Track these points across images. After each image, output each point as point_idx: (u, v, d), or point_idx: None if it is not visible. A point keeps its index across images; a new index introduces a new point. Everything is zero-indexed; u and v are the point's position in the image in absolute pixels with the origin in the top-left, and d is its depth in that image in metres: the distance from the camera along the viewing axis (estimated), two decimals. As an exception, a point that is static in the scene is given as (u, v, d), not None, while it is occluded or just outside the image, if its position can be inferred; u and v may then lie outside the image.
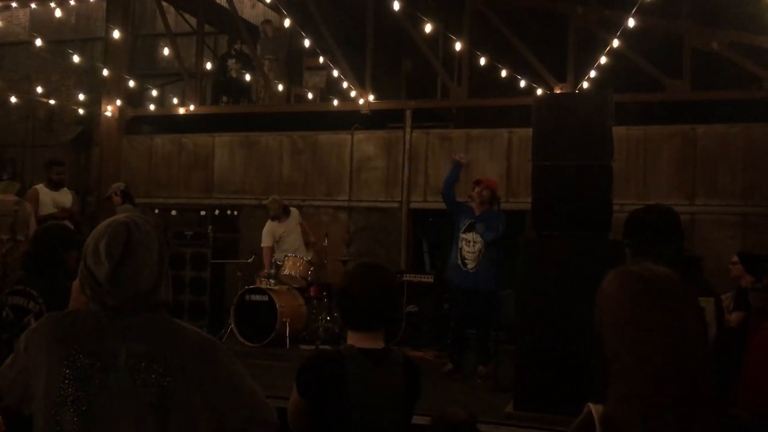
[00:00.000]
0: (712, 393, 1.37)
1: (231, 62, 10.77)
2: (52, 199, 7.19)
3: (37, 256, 3.74)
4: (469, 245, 6.48)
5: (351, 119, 9.69)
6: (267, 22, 11.01)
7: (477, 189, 6.60)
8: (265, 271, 8.00)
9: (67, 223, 7.00)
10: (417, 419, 4.31)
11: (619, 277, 1.44)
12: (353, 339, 2.43)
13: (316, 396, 2.34)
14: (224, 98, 11.03)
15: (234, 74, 10.72)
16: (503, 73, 8.83)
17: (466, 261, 6.48)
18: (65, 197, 7.33)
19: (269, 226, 8.25)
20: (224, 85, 10.91)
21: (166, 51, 11.29)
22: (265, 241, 8.18)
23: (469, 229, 6.50)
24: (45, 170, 7.46)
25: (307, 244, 8.38)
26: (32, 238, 3.97)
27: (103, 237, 1.79)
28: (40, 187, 7.28)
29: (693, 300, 1.43)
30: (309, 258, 8.16)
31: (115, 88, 10.64)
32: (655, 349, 1.35)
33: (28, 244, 6.89)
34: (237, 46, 10.85)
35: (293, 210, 8.40)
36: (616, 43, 8.19)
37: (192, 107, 10.45)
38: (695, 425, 1.33)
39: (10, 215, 7.04)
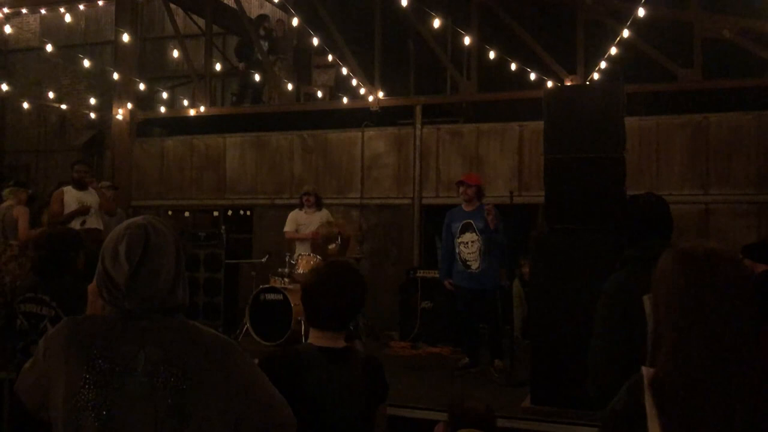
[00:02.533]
0: (758, 363, 1.42)
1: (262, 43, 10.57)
2: (77, 199, 7.19)
3: (46, 260, 3.75)
4: (467, 246, 6.45)
5: (361, 117, 9.69)
6: (279, 21, 11.00)
7: (461, 189, 6.60)
8: (281, 270, 8.02)
9: (90, 220, 7.09)
10: (434, 414, 4.32)
11: (672, 253, 1.54)
12: (313, 337, 2.44)
13: None
14: (233, 97, 11.03)
15: (261, 57, 10.58)
16: (513, 67, 8.79)
17: (468, 263, 6.44)
18: (91, 197, 7.33)
19: (293, 213, 8.23)
20: (247, 73, 10.69)
21: (175, 53, 11.33)
22: (287, 227, 8.18)
23: (463, 230, 6.48)
24: (71, 170, 7.51)
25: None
26: (40, 242, 3.99)
27: (122, 240, 1.79)
28: (67, 189, 7.29)
29: (739, 271, 1.50)
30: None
31: (125, 91, 10.69)
32: (701, 315, 1.42)
33: (27, 250, 7.02)
34: (266, 25, 10.65)
35: (325, 211, 8.34)
36: (626, 33, 8.14)
37: (202, 108, 10.48)
38: (739, 392, 1.37)
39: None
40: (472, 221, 6.42)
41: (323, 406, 2.30)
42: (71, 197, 7.20)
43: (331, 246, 7.86)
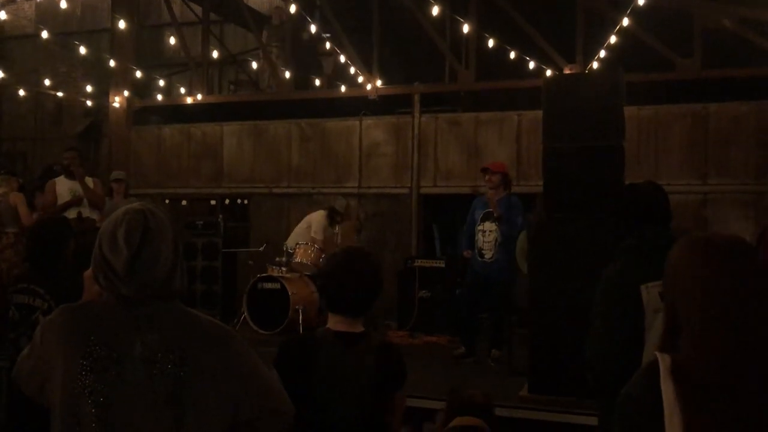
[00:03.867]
0: None
1: None
2: (69, 188, 7.09)
3: (37, 250, 3.73)
4: (485, 235, 6.47)
5: (359, 105, 9.65)
6: (279, 8, 10.93)
7: (486, 177, 6.58)
8: (278, 259, 8.00)
9: (85, 210, 7.03)
10: (432, 403, 4.32)
11: (689, 242, 1.53)
12: (332, 322, 2.48)
13: (289, 376, 2.37)
14: (231, 87, 10.96)
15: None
16: (511, 56, 8.75)
17: (483, 251, 6.47)
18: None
19: (325, 224, 8.05)
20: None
21: (172, 41, 11.26)
22: (320, 234, 7.99)
23: (484, 219, 6.48)
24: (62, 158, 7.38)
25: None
26: (29, 233, 3.95)
27: (121, 225, 1.77)
28: (59, 179, 7.19)
29: (757, 258, 1.49)
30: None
31: (122, 79, 10.64)
32: (730, 305, 1.41)
33: (23, 238, 6.96)
34: None
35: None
36: (625, 22, 8.10)
37: (199, 96, 10.44)
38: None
39: None
40: (493, 211, 6.43)
41: (330, 389, 2.33)
42: (63, 187, 7.09)
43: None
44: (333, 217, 8.11)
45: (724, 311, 1.40)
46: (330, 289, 2.48)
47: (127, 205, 1.87)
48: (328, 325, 2.48)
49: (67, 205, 6.97)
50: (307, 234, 8.07)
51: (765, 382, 1.37)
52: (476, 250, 6.51)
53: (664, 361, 1.42)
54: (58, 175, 7.37)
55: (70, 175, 7.14)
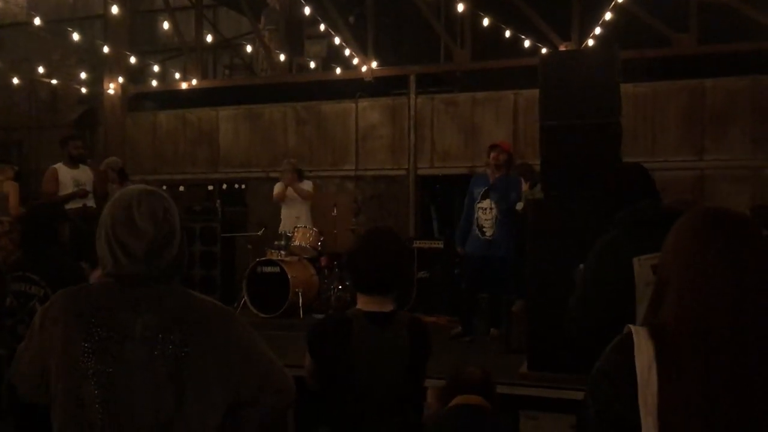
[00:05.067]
0: None
1: None
2: (72, 177, 6.96)
3: (31, 236, 3.72)
4: (485, 213, 6.48)
5: (354, 87, 9.61)
6: None
7: (493, 154, 6.57)
8: (277, 242, 8.00)
9: (88, 201, 6.96)
10: (431, 381, 4.34)
11: (692, 212, 1.51)
12: (361, 302, 2.49)
13: (324, 358, 2.42)
14: (226, 71, 10.90)
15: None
16: (507, 34, 8.70)
17: (483, 229, 6.49)
18: (86, 175, 7.11)
19: (280, 184, 8.21)
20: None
21: (165, 26, 11.18)
22: (276, 189, 8.16)
23: (484, 196, 6.50)
24: (62, 148, 7.18)
25: None
26: (23, 218, 3.94)
27: (139, 207, 1.76)
28: (59, 166, 7.02)
29: (757, 233, 1.46)
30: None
31: (116, 65, 10.58)
32: (719, 270, 1.39)
33: (18, 225, 6.90)
34: None
35: (307, 181, 8.30)
36: (620, -2, 8.06)
37: (194, 81, 10.39)
38: (755, 345, 1.35)
39: None
40: (490, 191, 6.46)
41: (367, 368, 2.36)
42: (66, 175, 6.96)
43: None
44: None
45: (714, 280, 1.37)
46: (357, 269, 2.50)
47: (129, 188, 1.86)
48: (357, 306, 2.49)
49: (71, 197, 6.83)
50: (301, 215, 8.10)
51: (750, 348, 1.34)
52: (476, 228, 6.53)
53: (638, 332, 1.40)
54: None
55: (74, 163, 7.03)
